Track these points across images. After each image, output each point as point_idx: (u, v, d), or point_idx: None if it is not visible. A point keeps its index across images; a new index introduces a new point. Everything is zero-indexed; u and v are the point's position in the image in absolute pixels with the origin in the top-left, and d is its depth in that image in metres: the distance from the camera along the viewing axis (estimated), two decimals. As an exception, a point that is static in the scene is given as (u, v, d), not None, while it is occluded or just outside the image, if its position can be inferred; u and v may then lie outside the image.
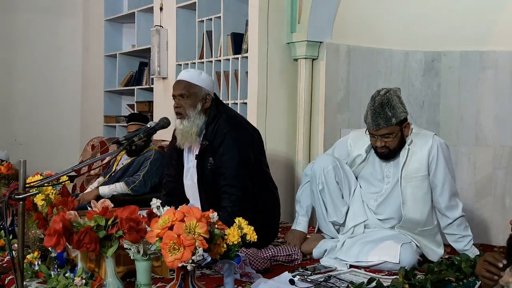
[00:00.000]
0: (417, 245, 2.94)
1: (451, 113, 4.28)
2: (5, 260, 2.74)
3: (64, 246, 2.02)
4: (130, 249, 2.03)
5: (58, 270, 2.40)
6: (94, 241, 2.02)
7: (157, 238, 1.90)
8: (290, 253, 2.90)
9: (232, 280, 2.17)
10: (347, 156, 3.16)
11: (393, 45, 4.39)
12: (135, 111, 5.94)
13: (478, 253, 2.86)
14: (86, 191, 4.31)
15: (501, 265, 1.68)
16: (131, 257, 2.06)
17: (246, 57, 4.39)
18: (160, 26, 5.28)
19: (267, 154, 3.43)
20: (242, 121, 3.26)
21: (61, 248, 2.03)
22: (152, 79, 5.52)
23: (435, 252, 3.00)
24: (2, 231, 2.93)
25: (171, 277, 2.40)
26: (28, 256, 2.50)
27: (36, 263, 2.49)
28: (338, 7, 4.25)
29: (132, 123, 4.24)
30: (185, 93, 3.06)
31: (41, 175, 2.64)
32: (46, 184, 2.40)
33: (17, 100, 6.68)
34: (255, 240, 2.13)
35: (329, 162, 3.09)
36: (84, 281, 2.23)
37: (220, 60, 4.66)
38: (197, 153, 3.11)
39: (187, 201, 3.19)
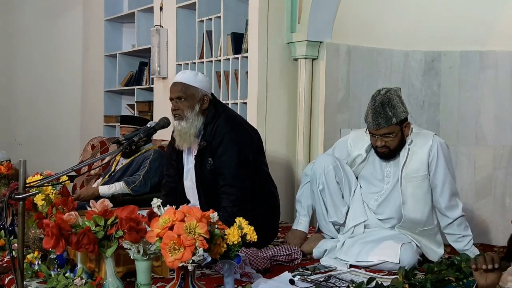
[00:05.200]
0: (417, 245, 2.94)
1: (451, 113, 4.28)
2: (5, 260, 2.74)
3: (63, 248, 2.02)
4: (130, 249, 2.04)
5: (58, 270, 2.40)
6: (92, 242, 2.02)
7: (157, 238, 1.90)
8: (290, 252, 2.90)
9: (232, 280, 2.17)
10: (347, 156, 3.16)
11: (393, 45, 4.38)
12: (135, 111, 5.95)
13: (478, 253, 2.86)
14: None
15: (484, 267, 1.72)
16: (131, 257, 2.06)
17: (246, 57, 4.39)
18: (160, 26, 5.28)
19: (267, 154, 3.43)
20: (241, 121, 3.26)
21: (61, 250, 2.03)
22: (152, 79, 5.52)
23: (435, 252, 3.00)
24: (2, 231, 2.93)
25: (171, 277, 2.40)
26: (28, 256, 2.50)
27: (36, 263, 2.49)
28: (338, 7, 4.25)
29: (123, 125, 4.22)
30: (182, 95, 3.06)
31: (41, 175, 2.64)
32: (46, 184, 2.40)
33: (17, 100, 6.69)
34: (255, 240, 2.13)
35: (330, 162, 3.09)
36: (84, 281, 2.23)
37: (220, 60, 4.66)
38: (196, 153, 3.11)
39: (187, 202, 3.19)
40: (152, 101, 5.60)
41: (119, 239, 2.04)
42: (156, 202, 2.03)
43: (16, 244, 2.14)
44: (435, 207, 3.04)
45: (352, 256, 2.87)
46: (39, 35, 6.71)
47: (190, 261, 1.85)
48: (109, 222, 2.07)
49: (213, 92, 3.33)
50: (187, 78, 3.10)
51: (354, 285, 2.37)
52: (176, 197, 3.21)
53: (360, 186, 3.15)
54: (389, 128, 2.87)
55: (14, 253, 2.21)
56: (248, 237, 2.11)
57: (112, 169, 4.22)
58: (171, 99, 3.12)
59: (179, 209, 1.93)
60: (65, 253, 2.50)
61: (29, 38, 6.69)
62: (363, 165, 3.11)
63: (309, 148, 4.33)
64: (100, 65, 6.45)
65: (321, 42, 4.24)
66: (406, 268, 2.55)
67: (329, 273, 2.68)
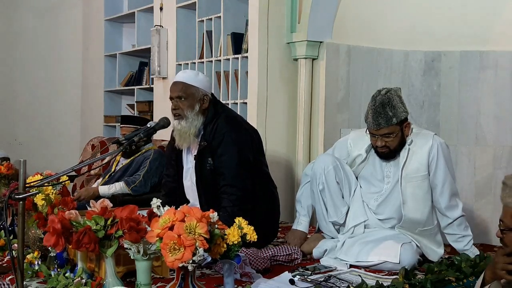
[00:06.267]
0: (417, 245, 2.94)
1: (451, 113, 4.27)
2: (5, 260, 2.74)
3: (63, 246, 2.02)
4: (130, 249, 2.03)
5: (58, 270, 2.40)
6: (93, 241, 2.02)
7: (157, 238, 1.90)
8: (290, 252, 2.90)
9: (232, 280, 2.17)
10: (347, 156, 3.16)
11: (393, 45, 4.38)
12: (135, 111, 5.95)
13: (478, 253, 2.86)
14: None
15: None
16: (131, 257, 2.06)
17: (246, 57, 4.39)
18: (160, 26, 5.28)
19: (267, 154, 3.42)
20: (241, 121, 3.26)
21: (60, 248, 2.03)
22: (152, 79, 5.52)
23: (435, 252, 3.00)
24: (2, 231, 2.93)
25: (171, 277, 2.40)
26: (28, 256, 2.50)
27: (36, 263, 2.49)
28: (338, 7, 4.25)
29: (123, 125, 4.23)
30: (182, 94, 3.06)
31: (41, 175, 2.64)
32: (46, 184, 2.40)
33: (17, 100, 6.69)
34: (255, 240, 2.13)
35: (330, 162, 3.09)
36: (84, 281, 2.23)
37: (220, 60, 4.66)
38: (195, 153, 3.11)
39: (187, 201, 3.19)
40: (152, 101, 5.60)
41: (119, 238, 2.04)
42: (155, 202, 2.03)
43: (16, 244, 2.14)
44: (435, 207, 3.04)
45: (352, 256, 2.88)
46: (39, 35, 6.70)
47: (190, 261, 1.85)
48: (109, 222, 2.07)
49: (213, 92, 3.33)
50: (187, 77, 3.10)
51: (354, 285, 2.37)
52: (176, 197, 3.21)
53: (360, 186, 3.15)
54: (389, 128, 2.87)
55: (14, 253, 2.20)
56: (248, 237, 2.11)
57: (112, 169, 4.22)
58: (171, 98, 3.12)
59: (179, 209, 1.93)
60: (65, 253, 2.50)
61: (29, 38, 6.69)
62: (363, 165, 3.11)
63: (309, 148, 4.33)
64: (100, 65, 6.45)
65: (321, 42, 4.24)
66: (406, 268, 2.55)
67: (329, 273, 2.68)
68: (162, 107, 5.16)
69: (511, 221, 1.79)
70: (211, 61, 4.74)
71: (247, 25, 4.42)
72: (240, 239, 2.06)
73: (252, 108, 4.29)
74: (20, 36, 6.66)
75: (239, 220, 2.13)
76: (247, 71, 4.38)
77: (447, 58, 4.30)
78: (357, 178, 3.16)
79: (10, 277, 2.48)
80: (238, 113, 4.02)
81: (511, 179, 1.82)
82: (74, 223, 2.07)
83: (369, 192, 3.11)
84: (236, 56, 4.50)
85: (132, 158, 4.13)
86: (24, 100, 6.69)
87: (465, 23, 4.20)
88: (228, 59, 4.58)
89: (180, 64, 5.07)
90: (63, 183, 2.66)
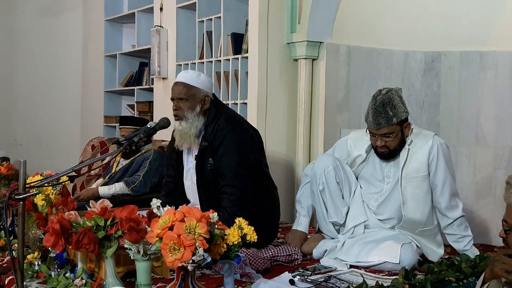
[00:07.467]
0: (417, 245, 2.94)
1: (451, 113, 4.28)
2: (5, 260, 2.74)
3: (63, 247, 2.02)
4: (130, 249, 2.04)
5: (58, 270, 2.40)
6: (93, 241, 2.02)
7: (157, 238, 1.90)
8: (290, 253, 2.90)
9: (232, 280, 2.17)
10: (347, 157, 3.16)
11: (393, 45, 4.38)
12: (135, 111, 5.95)
13: (478, 253, 2.86)
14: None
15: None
16: (131, 257, 2.06)
17: (246, 57, 4.39)
18: (160, 26, 5.28)
19: (267, 154, 3.42)
20: (241, 121, 3.26)
21: (60, 249, 2.03)
22: (152, 79, 5.52)
23: (435, 252, 3.00)
24: (2, 231, 2.93)
25: (171, 277, 2.40)
26: (28, 256, 2.50)
27: (36, 263, 2.49)
28: (338, 7, 4.25)
29: (123, 127, 4.22)
30: (183, 96, 3.06)
31: (41, 175, 2.63)
32: (46, 184, 2.40)
33: (17, 100, 6.69)
34: (255, 240, 2.13)
35: (330, 163, 3.09)
36: (84, 281, 2.23)
37: (220, 60, 4.66)
38: (196, 154, 3.11)
39: (187, 202, 3.19)
40: (152, 102, 5.60)
41: (119, 239, 2.04)
42: (155, 202, 2.03)
43: (16, 244, 2.14)
44: (435, 207, 3.04)
45: (352, 257, 2.87)
46: (39, 35, 6.71)
47: (190, 261, 1.86)
48: (108, 222, 2.07)
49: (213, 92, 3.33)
50: (189, 78, 3.09)
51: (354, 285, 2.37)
52: (176, 197, 3.21)
53: (360, 187, 3.15)
54: (389, 128, 2.87)
55: (14, 253, 2.20)
56: (248, 237, 2.11)
57: (113, 170, 4.23)
58: (172, 99, 3.11)
59: (179, 209, 1.93)
60: (65, 254, 2.50)
61: (29, 38, 6.70)
62: (363, 166, 3.11)
63: (309, 148, 4.33)
64: (100, 65, 6.45)
65: (321, 42, 4.24)
66: (406, 268, 2.54)
67: (329, 273, 2.68)
68: (162, 108, 5.16)
69: None
70: (211, 62, 4.74)
71: (247, 25, 4.42)
72: (240, 240, 2.06)
73: (252, 108, 4.29)
74: (20, 36, 6.67)
75: (239, 220, 2.13)
76: (247, 72, 4.38)
77: (447, 58, 4.30)
78: (357, 178, 3.16)
79: (10, 277, 2.48)
80: (238, 113, 4.02)
81: None
82: (74, 224, 2.07)
83: (369, 192, 3.10)
84: (236, 56, 4.50)
85: (132, 158, 4.13)
86: (24, 100, 6.69)
87: (465, 23, 4.21)
88: (228, 60, 4.58)
89: (180, 65, 5.07)
90: (63, 183, 2.66)
